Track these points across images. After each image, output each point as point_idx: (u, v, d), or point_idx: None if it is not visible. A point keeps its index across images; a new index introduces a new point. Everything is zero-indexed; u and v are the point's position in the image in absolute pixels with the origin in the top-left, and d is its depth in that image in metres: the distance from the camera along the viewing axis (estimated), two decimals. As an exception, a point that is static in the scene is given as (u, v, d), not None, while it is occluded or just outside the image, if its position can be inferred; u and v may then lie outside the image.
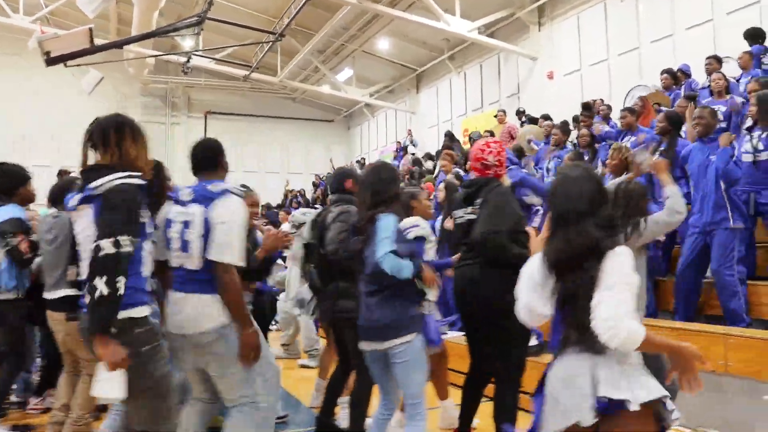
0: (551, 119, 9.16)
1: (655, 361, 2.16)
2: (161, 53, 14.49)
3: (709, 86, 6.50)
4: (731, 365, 3.78)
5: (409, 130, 15.28)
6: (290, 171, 19.44)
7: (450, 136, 11.37)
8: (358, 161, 16.49)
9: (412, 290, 2.85)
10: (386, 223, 2.82)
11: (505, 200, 3.27)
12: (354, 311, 3.08)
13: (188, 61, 13.86)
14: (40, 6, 13.53)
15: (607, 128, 7.11)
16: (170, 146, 18.40)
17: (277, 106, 19.50)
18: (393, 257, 2.73)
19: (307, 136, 19.86)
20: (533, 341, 3.95)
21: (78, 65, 10.05)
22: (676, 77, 7.85)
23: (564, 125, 8.16)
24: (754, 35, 7.23)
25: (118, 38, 12.48)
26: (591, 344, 1.84)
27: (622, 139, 6.27)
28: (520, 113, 11.18)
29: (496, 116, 11.26)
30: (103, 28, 13.91)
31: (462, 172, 7.46)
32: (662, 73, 7.95)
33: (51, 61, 10.41)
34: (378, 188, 2.97)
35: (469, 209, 3.36)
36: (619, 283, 1.84)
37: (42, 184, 4.11)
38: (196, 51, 13.64)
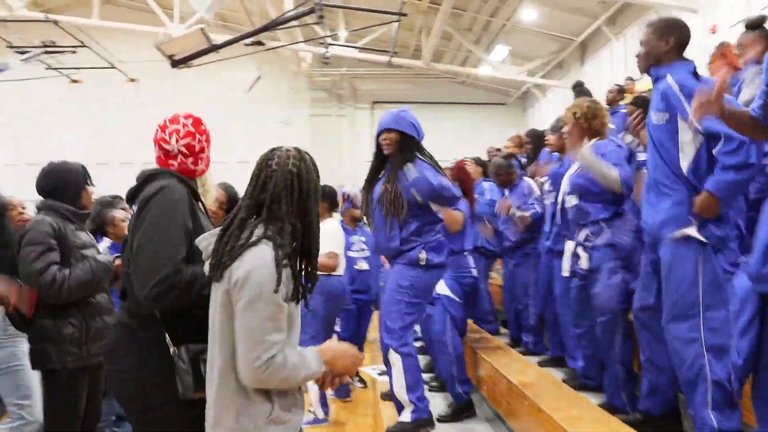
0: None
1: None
2: (295, 45, 14.34)
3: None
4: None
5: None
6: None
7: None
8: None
9: None
10: None
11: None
12: None
13: (327, 50, 13.74)
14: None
15: None
16: (337, 138, 18.52)
17: (446, 91, 18.64)
18: None
19: (479, 121, 18.79)
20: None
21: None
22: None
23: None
24: None
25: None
26: None
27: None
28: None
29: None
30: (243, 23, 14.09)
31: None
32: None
33: (176, 63, 10.86)
34: None
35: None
36: None
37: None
38: (323, 38, 13.32)
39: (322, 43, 13.34)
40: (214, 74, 13.16)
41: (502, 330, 6.26)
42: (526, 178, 5.57)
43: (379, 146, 3.84)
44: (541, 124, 17.82)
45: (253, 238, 1.88)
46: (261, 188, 1.94)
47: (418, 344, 4.80)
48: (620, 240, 3.65)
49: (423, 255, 3.71)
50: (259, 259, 1.83)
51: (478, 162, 6.51)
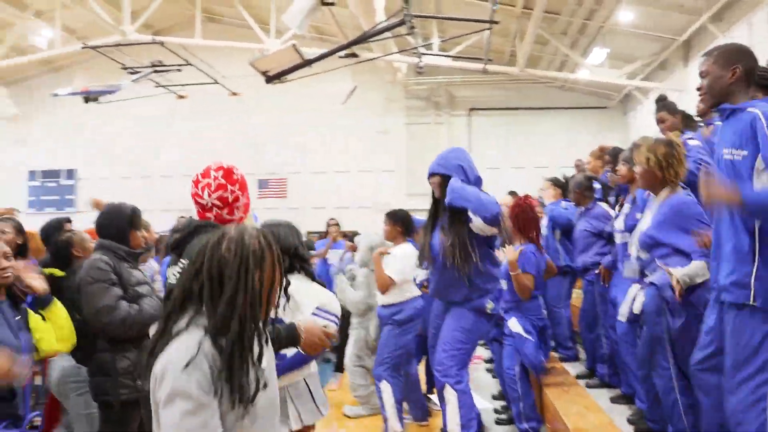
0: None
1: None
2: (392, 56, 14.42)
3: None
4: None
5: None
6: (561, 165, 18.22)
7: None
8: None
9: None
10: None
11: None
12: None
13: (420, 60, 13.76)
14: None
15: None
16: (434, 146, 18.52)
17: (544, 96, 18.21)
18: None
19: (579, 125, 18.26)
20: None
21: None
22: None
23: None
24: None
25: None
26: None
27: None
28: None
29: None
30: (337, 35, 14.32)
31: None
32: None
33: (270, 78, 11.21)
34: None
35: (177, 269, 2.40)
36: None
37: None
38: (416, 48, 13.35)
39: (415, 53, 13.40)
40: (311, 86, 13.46)
41: (583, 355, 6.07)
42: (600, 204, 5.39)
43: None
44: (643, 127, 17.20)
45: (182, 327, 1.73)
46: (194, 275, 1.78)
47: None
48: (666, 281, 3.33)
49: (491, 305, 3.79)
50: (179, 351, 1.67)
51: (556, 183, 6.38)
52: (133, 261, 3.48)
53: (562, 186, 6.37)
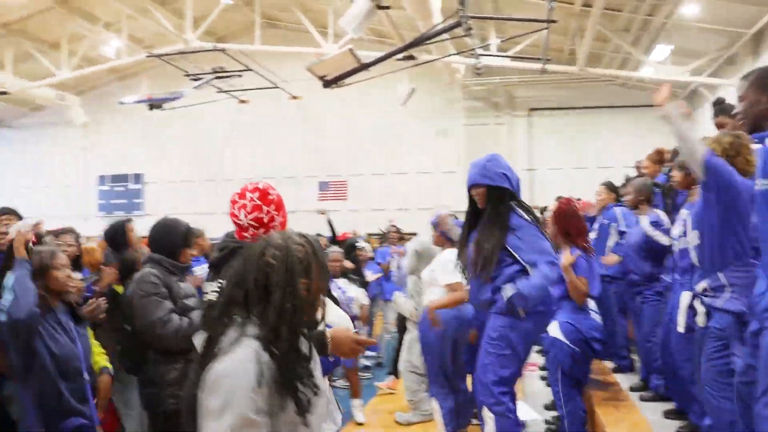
0: None
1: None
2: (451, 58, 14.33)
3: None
4: None
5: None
6: (627, 165, 17.78)
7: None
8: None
9: None
10: None
11: None
12: None
13: (479, 61, 13.63)
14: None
15: None
16: (494, 147, 18.35)
17: (606, 95, 17.76)
18: None
19: (643, 124, 17.64)
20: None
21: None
22: None
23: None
24: None
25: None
26: None
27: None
28: None
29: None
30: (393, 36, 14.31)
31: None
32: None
33: (327, 83, 11.31)
34: None
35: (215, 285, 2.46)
36: None
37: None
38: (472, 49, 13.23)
39: (473, 54, 13.29)
40: (370, 88, 13.55)
41: (639, 365, 5.83)
42: (656, 210, 5.18)
43: (472, 198, 3.73)
44: (711, 125, 16.63)
45: (234, 337, 1.71)
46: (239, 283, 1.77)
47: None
48: (736, 308, 3.08)
49: (509, 290, 3.47)
50: (234, 362, 1.65)
51: (610, 187, 6.19)
52: (181, 275, 3.56)
53: (616, 190, 6.21)
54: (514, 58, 14.46)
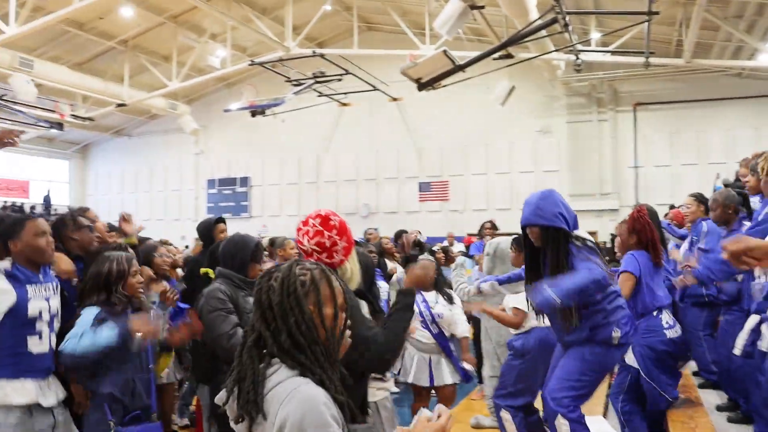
0: None
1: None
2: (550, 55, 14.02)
3: None
4: None
5: None
6: (737, 160, 16.82)
7: None
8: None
9: None
10: None
11: None
12: None
13: (577, 58, 13.27)
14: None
15: None
16: (598, 144, 17.84)
17: (718, 86, 16.72)
18: None
19: (763, 116, 16.68)
20: None
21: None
22: None
23: None
24: None
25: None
26: None
27: None
28: None
29: None
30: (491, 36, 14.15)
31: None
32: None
33: (422, 85, 11.33)
34: None
35: None
36: None
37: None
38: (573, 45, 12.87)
39: (572, 50, 12.95)
40: (468, 87, 13.50)
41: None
42: (746, 222, 4.60)
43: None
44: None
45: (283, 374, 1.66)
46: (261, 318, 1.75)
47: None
48: None
49: (618, 333, 3.42)
50: (307, 401, 1.59)
51: (700, 198, 5.59)
52: (248, 289, 3.68)
53: (705, 202, 5.58)
54: (614, 52, 13.99)
